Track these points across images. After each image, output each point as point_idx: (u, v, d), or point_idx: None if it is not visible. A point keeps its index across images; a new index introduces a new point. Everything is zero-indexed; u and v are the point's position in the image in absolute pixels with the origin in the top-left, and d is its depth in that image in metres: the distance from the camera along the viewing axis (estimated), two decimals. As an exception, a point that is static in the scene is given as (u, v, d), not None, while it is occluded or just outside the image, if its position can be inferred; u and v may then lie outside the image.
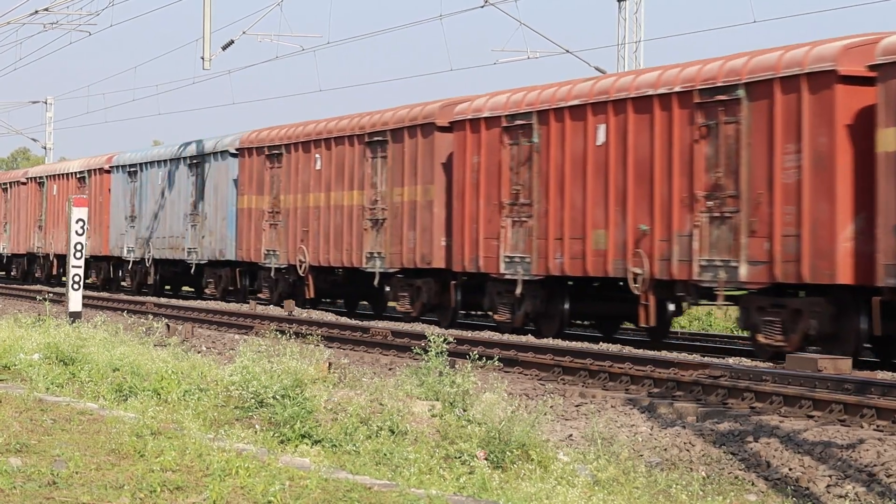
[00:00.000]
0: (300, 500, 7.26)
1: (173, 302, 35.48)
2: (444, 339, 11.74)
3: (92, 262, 45.32)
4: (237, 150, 35.74)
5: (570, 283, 24.50)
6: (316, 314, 29.64)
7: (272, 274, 33.67)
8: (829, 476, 10.83)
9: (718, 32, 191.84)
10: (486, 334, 24.41)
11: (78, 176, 46.39)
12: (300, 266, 32.11)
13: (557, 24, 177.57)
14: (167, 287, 42.43)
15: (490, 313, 26.32)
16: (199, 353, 18.38)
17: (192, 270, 38.14)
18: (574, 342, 22.79)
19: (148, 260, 40.74)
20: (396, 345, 21.81)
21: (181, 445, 8.52)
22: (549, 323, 24.50)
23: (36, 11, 41.98)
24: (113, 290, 43.64)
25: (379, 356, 21.10)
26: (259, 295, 34.39)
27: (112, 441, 8.85)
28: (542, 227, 24.19)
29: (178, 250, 38.84)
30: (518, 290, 24.51)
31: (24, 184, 51.89)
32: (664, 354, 19.61)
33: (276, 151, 33.70)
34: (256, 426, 10.32)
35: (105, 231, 44.45)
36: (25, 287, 44.63)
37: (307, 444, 9.73)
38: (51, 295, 23.75)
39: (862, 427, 13.09)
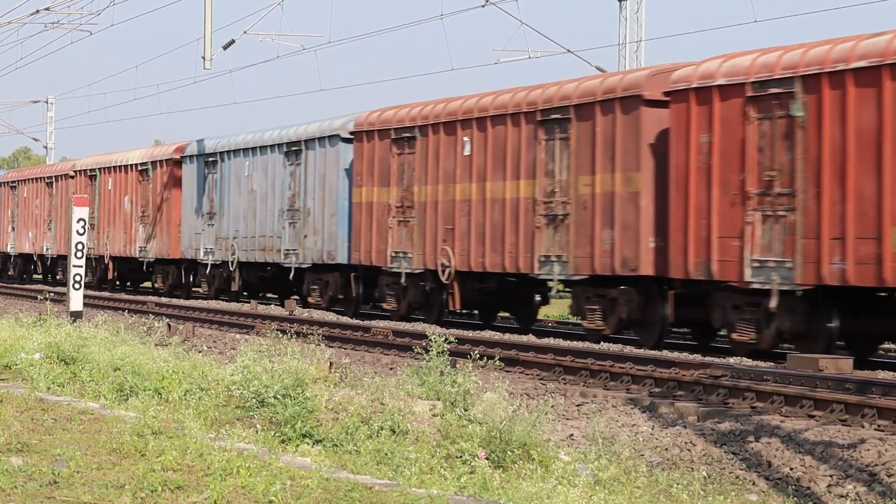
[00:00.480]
0: (301, 500, 7.26)
1: (174, 301, 35.43)
2: (445, 339, 11.74)
3: (156, 266, 40.93)
4: (352, 133, 30.06)
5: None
6: (317, 314, 29.59)
7: (402, 280, 27.83)
8: (831, 476, 10.83)
9: (719, 32, 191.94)
10: (488, 333, 24.34)
11: (139, 168, 41.28)
12: (442, 271, 26.51)
13: (558, 23, 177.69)
14: (245, 293, 37.30)
15: (723, 331, 21.48)
16: (200, 352, 18.41)
17: (292, 275, 32.41)
18: (575, 342, 22.77)
19: (232, 263, 35.30)
20: (397, 344, 21.80)
21: (182, 445, 8.52)
22: (810, 343, 19.48)
23: (37, 11, 42.02)
24: (184, 296, 38.94)
25: (380, 356, 21.10)
26: (383, 305, 29.04)
27: (113, 440, 8.85)
28: (811, 223, 19.04)
29: (272, 252, 33.41)
30: (772, 304, 19.36)
31: (71, 177, 46.89)
32: (665, 354, 19.60)
33: (408, 134, 27.88)
34: (257, 426, 10.33)
35: (174, 230, 39.14)
36: (26, 287, 44.41)
37: (308, 444, 9.73)
38: (52, 294, 23.78)
39: (863, 427, 13.09)
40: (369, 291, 30.19)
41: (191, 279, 39.54)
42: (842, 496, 10.29)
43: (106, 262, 43.56)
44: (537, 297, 26.85)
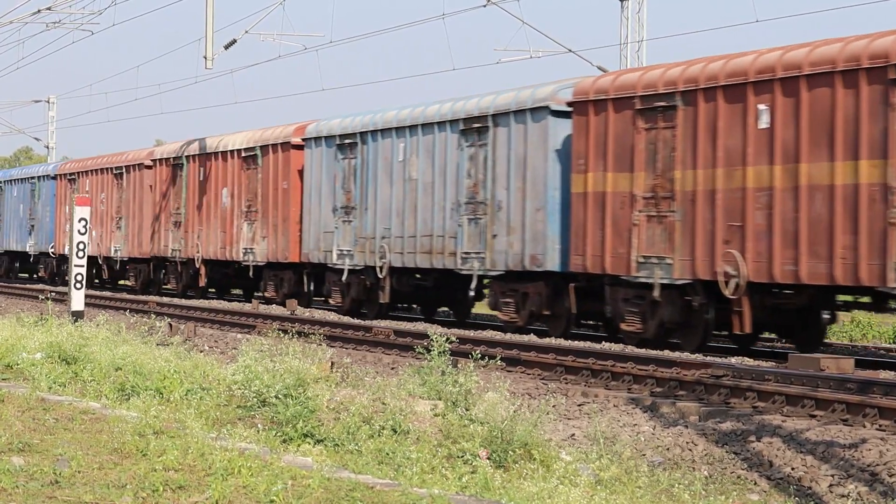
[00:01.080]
0: (302, 500, 7.26)
1: (176, 301, 35.41)
2: (447, 339, 11.75)
3: (266, 271, 34.47)
4: (570, 104, 23.71)
5: None
6: (318, 313, 29.56)
7: (655, 293, 21.46)
8: (832, 476, 10.83)
9: (721, 32, 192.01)
10: (489, 333, 24.34)
11: (244, 154, 35.08)
12: (726, 282, 20.23)
13: (560, 23, 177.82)
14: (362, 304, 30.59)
15: None
16: (201, 352, 18.42)
17: (473, 284, 26.36)
18: (576, 342, 22.77)
19: (381, 269, 28.73)
20: (399, 344, 21.80)
21: (183, 445, 8.52)
22: None
23: (38, 10, 42.05)
24: (306, 305, 32.20)
25: (381, 355, 21.10)
26: (621, 325, 22.46)
27: (114, 440, 8.86)
28: None
29: (441, 255, 27.03)
30: None
31: (148, 167, 40.99)
32: (667, 354, 19.60)
33: (663, 103, 21.59)
34: (259, 425, 10.33)
35: (293, 228, 32.75)
36: (28, 286, 44.27)
37: (309, 444, 9.73)
38: (53, 294, 23.70)
39: (864, 427, 13.09)
40: (585, 306, 23.92)
41: (312, 287, 32.97)
42: (843, 496, 10.29)
43: (197, 265, 37.54)
44: (825, 315, 21.61)
